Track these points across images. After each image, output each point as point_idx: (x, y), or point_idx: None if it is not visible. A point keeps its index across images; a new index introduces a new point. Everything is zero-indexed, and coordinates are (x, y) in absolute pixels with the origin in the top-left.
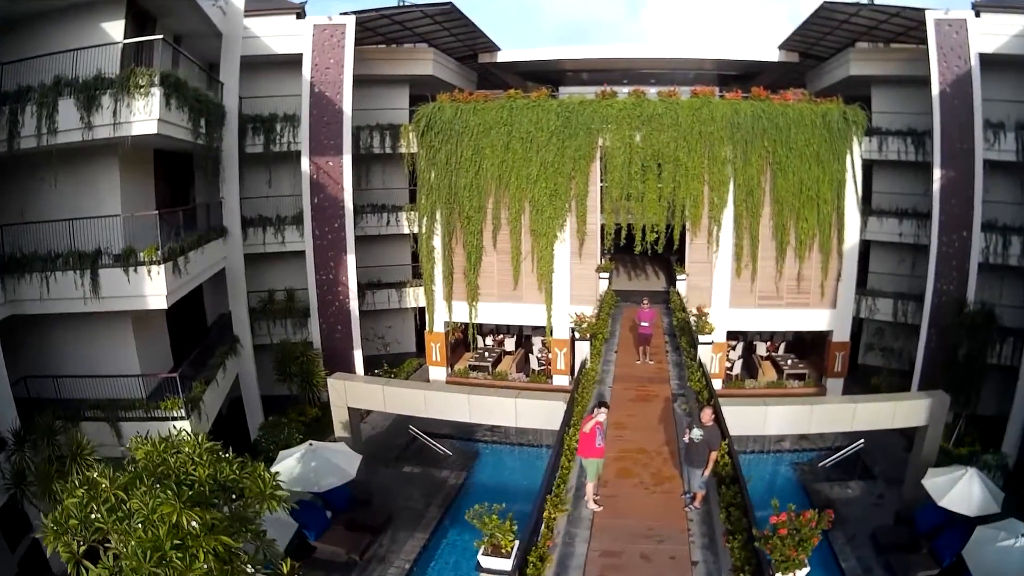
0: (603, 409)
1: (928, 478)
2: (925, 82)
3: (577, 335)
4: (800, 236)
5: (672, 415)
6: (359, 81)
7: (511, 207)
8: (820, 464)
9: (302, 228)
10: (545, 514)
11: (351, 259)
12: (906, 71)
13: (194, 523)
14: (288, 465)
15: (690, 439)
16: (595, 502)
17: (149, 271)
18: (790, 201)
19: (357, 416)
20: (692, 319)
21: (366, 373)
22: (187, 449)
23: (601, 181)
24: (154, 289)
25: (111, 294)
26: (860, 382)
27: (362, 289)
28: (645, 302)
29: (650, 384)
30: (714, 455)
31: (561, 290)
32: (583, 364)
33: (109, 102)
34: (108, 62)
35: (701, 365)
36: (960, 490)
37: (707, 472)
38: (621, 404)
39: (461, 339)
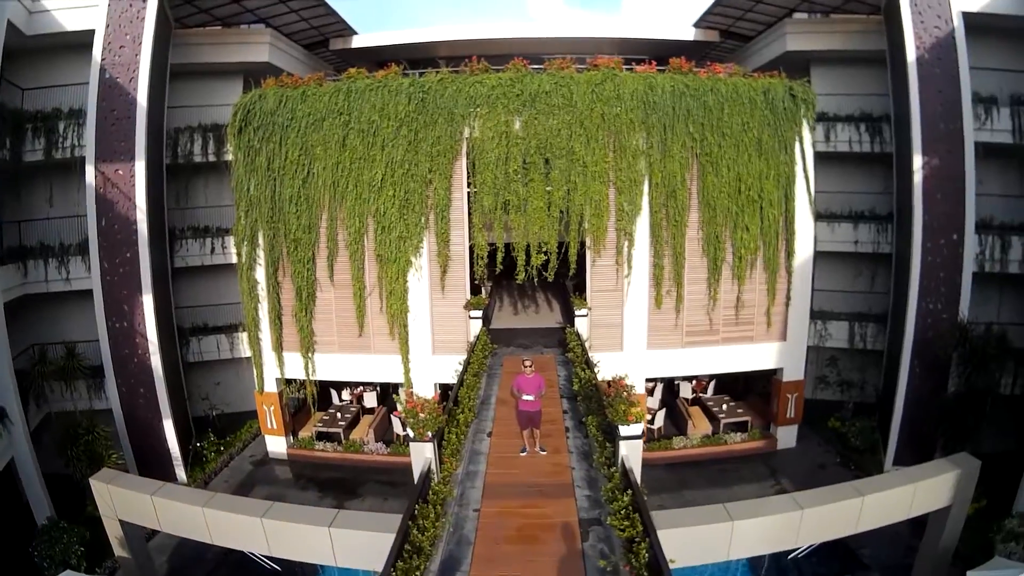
0: None
1: None
2: (878, 59)
3: (410, 434)
4: (739, 250)
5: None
6: (182, 72)
7: (349, 224)
8: (789, 557)
9: (89, 260)
10: None
11: (148, 300)
12: (855, 45)
13: None
14: None
15: None
16: None
17: None
18: (725, 204)
19: (139, 528)
20: (603, 392)
21: (196, 441)
22: None
23: (469, 186)
24: None
25: None
26: (814, 426)
27: (185, 335)
28: (527, 364)
29: (542, 500)
30: None
31: (420, 335)
32: (422, 483)
33: None
34: None
35: (630, 487)
36: None
37: None
38: (492, 552)
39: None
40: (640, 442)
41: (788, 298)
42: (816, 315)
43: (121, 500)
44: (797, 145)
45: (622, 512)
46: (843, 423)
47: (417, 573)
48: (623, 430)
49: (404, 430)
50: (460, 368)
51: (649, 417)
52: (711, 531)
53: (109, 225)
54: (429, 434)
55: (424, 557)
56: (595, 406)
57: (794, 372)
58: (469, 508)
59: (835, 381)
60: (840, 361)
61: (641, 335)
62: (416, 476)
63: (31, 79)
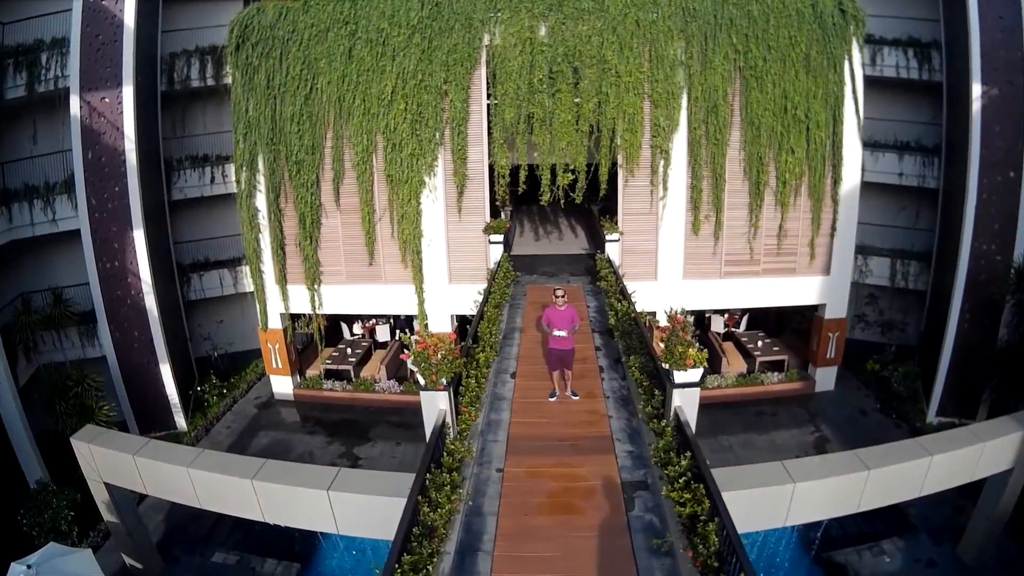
0: None
1: None
2: None
3: (421, 380)
4: (783, 174)
5: (633, 558)
6: None
7: (356, 142)
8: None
9: (76, 197)
10: None
11: (140, 236)
12: None
13: None
14: None
15: None
16: None
17: None
18: (769, 123)
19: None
20: (646, 328)
21: (198, 385)
22: None
23: (489, 98)
24: None
25: None
26: (851, 367)
27: (185, 272)
28: (559, 294)
29: (576, 457)
30: None
31: (435, 263)
32: (435, 442)
33: None
34: None
35: (689, 448)
36: None
37: None
38: (519, 525)
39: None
40: (698, 391)
41: (833, 229)
42: (856, 249)
43: (104, 461)
44: (846, 64)
45: (680, 481)
46: (884, 366)
47: (429, 566)
48: (678, 376)
49: (412, 376)
50: (479, 298)
51: None
52: (770, 494)
53: (96, 158)
54: (444, 381)
55: (438, 539)
56: (636, 344)
57: (837, 309)
58: (491, 467)
59: (876, 321)
60: (880, 300)
61: (677, 264)
62: (428, 432)
63: (9, 12)
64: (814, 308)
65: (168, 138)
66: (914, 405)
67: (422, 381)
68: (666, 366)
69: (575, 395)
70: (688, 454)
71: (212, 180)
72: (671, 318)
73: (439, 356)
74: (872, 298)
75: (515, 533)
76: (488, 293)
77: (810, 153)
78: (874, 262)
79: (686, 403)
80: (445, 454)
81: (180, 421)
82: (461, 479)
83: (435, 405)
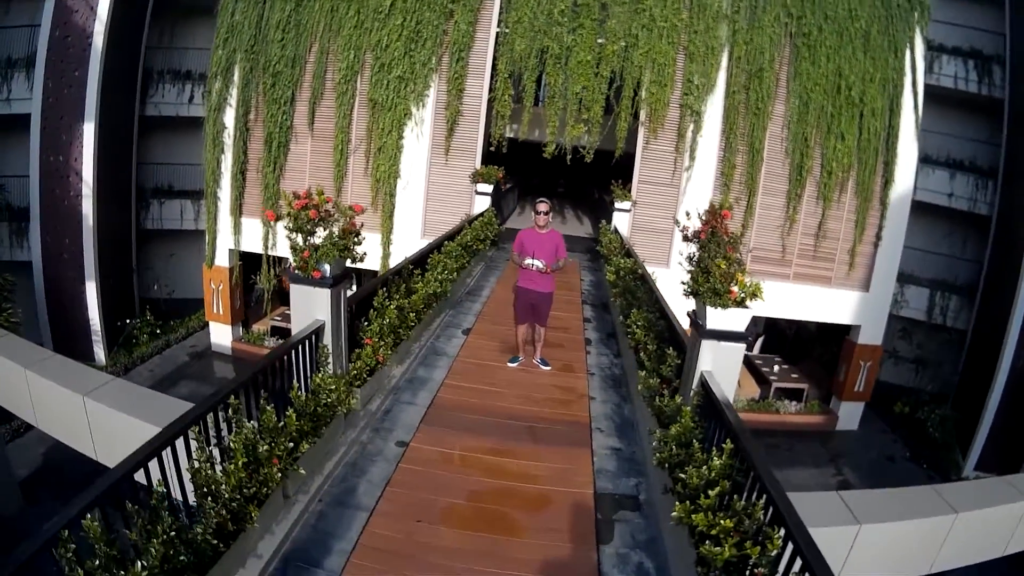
0: None
1: None
2: None
3: (291, 262)
4: (829, 162)
5: None
6: None
7: (343, 58)
8: None
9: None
10: None
11: (90, 130)
12: None
13: None
14: None
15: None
16: None
17: None
18: (819, 101)
19: None
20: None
21: (129, 319)
22: None
23: (499, 25)
24: None
25: None
26: (876, 409)
27: (146, 196)
28: (541, 210)
29: (530, 448)
30: None
31: (410, 209)
32: (279, 356)
33: None
34: None
35: (732, 435)
36: None
37: None
38: (401, 528)
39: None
40: (742, 351)
41: (878, 238)
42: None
43: None
44: (908, 53)
45: (711, 494)
46: (918, 409)
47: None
48: (713, 316)
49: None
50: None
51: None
52: (828, 536)
53: (62, 36)
54: (325, 270)
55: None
56: (644, 296)
57: (872, 334)
58: (389, 438)
59: (911, 357)
60: (913, 335)
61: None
62: (288, 348)
63: None
64: (845, 331)
65: (154, 47)
66: (947, 455)
67: (292, 262)
68: (693, 303)
69: (546, 364)
70: (728, 447)
71: (191, 99)
72: (712, 212)
73: (323, 227)
74: (905, 332)
75: (390, 550)
76: (459, 231)
77: (862, 143)
78: (911, 292)
79: (722, 366)
80: (299, 389)
81: (99, 353)
82: (324, 440)
83: (309, 310)
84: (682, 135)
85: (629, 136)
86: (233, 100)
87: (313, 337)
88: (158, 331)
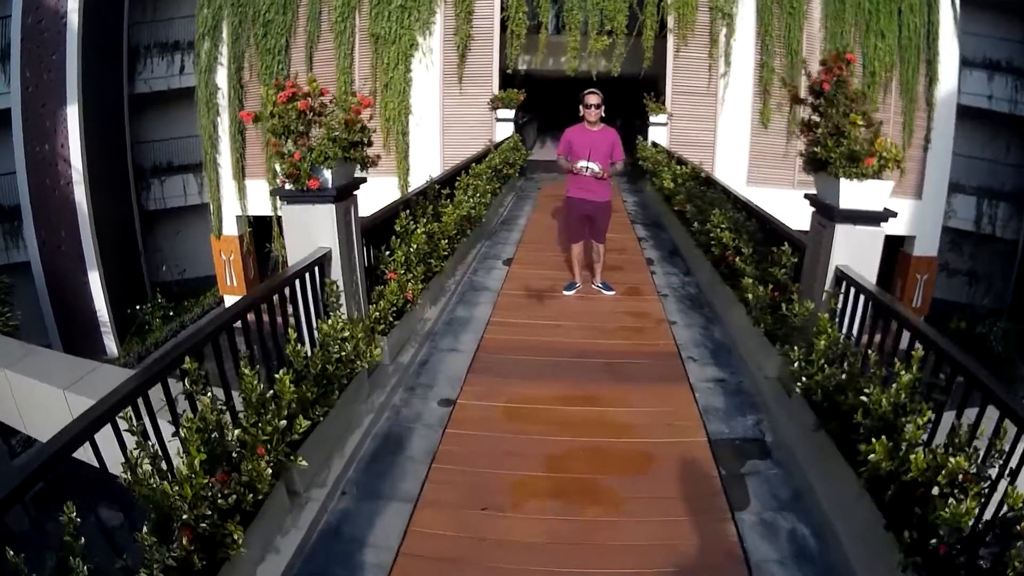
0: None
1: None
2: None
3: (277, 170)
4: (871, 62)
5: None
6: None
7: None
8: None
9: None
10: None
11: (74, 112)
12: None
13: None
14: None
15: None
16: None
17: None
18: None
19: None
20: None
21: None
22: None
23: None
24: None
25: None
26: (930, 324)
27: (146, 177)
28: (592, 103)
29: (613, 390)
30: None
31: (426, 147)
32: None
33: None
34: None
35: (918, 334)
36: None
37: None
38: (463, 522)
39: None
40: (881, 235)
41: (927, 141)
42: None
43: None
44: None
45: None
46: (979, 324)
47: None
48: (847, 191)
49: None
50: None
51: None
52: None
53: (35, 22)
54: (327, 178)
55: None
56: (719, 195)
57: (928, 245)
58: (429, 397)
59: (964, 269)
60: (963, 247)
61: (740, 163)
62: (280, 285)
63: None
64: (899, 243)
65: (138, 22)
66: (1011, 370)
67: (279, 169)
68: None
69: (609, 289)
70: (917, 353)
71: (182, 69)
72: (836, 57)
73: (319, 125)
74: (955, 244)
75: (448, 557)
76: (485, 155)
77: (902, 41)
78: (958, 201)
79: (860, 259)
80: (293, 341)
81: (111, 344)
82: (341, 408)
83: (308, 237)
84: (715, 40)
85: (656, 55)
86: (224, 59)
87: (316, 270)
88: (171, 313)
